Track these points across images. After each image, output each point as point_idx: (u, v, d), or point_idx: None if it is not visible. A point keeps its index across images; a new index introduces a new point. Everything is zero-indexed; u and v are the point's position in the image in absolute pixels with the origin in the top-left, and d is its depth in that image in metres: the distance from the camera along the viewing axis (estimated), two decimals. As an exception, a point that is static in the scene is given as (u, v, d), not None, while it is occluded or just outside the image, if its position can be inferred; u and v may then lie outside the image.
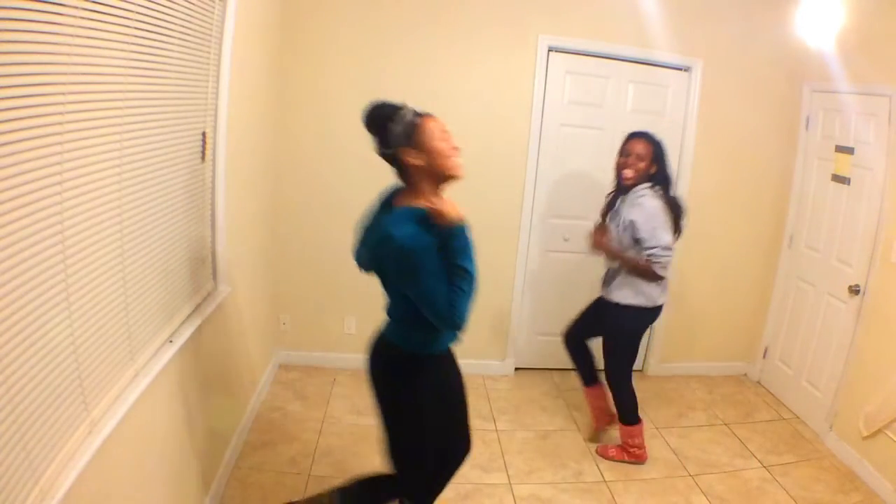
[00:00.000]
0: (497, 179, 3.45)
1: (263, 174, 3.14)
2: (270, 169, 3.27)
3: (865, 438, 2.91)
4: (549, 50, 3.39)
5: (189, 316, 2.07)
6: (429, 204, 1.65)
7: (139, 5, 1.51)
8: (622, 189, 2.75)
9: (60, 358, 1.30)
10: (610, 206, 2.86)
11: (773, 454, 3.11)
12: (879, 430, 2.83)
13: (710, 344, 3.98)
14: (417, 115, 1.66)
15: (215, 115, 2.23)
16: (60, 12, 1.17)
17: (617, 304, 2.76)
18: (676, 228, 2.70)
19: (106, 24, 1.36)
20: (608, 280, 2.83)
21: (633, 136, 2.71)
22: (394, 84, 3.28)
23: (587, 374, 3.05)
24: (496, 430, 3.15)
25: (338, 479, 2.62)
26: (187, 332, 1.97)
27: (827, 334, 3.31)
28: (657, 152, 2.67)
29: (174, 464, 1.99)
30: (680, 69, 3.53)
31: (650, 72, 3.50)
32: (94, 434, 1.42)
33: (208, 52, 2.11)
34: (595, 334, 2.98)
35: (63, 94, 1.22)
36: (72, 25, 1.22)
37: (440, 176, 1.69)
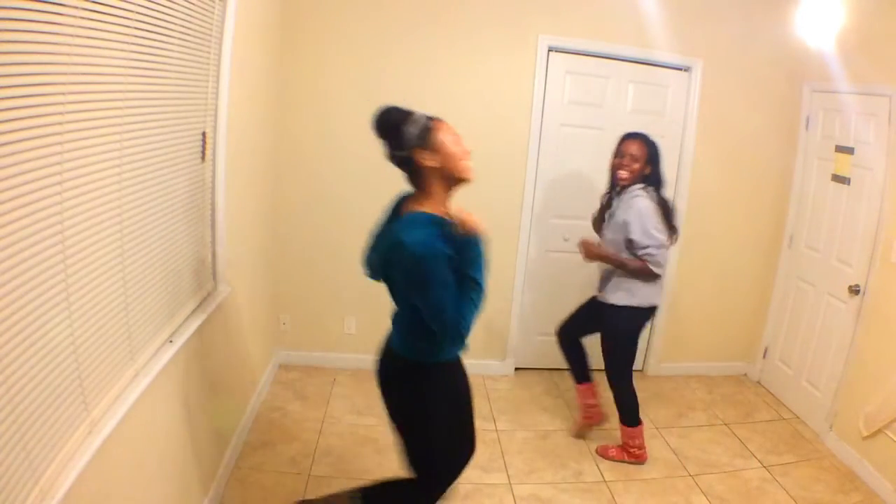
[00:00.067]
0: (497, 179, 3.45)
1: (263, 174, 3.14)
2: (270, 169, 3.27)
3: (865, 438, 2.91)
4: (549, 50, 3.39)
5: (189, 316, 2.07)
6: (452, 212, 1.67)
7: (139, 5, 1.51)
8: (616, 189, 2.77)
9: (60, 358, 1.30)
10: (605, 207, 2.88)
11: (773, 454, 3.11)
12: (879, 430, 2.83)
13: (710, 344, 3.98)
14: (430, 118, 1.68)
15: (215, 115, 2.23)
16: (60, 12, 1.17)
17: (612, 306, 2.77)
18: (669, 228, 2.71)
19: (106, 24, 1.36)
20: (603, 282, 2.84)
21: (629, 137, 2.72)
22: (394, 84, 3.28)
23: (579, 371, 3.06)
24: (496, 430, 3.15)
25: (338, 478, 2.63)
26: (187, 332, 1.97)
27: (827, 334, 3.31)
28: (652, 153, 2.68)
29: (174, 464, 1.99)
30: (680, 69, 3.53)
31: (650, 72, 3.50)
32: (94, 434, 1.42)
33: (208, 52, 2.11)
34: (589, 332, 2.99)
35: (63, 94, 1.22)
36: (72, 25, 1.22)
37: (452, 178, 1.70)
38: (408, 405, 1.84)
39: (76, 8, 1.22)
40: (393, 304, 1.85)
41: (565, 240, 3.60)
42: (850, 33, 3.12)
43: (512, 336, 3.76)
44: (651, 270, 2.63)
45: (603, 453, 2.97)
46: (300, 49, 3.24)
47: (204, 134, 2.16)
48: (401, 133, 1.64)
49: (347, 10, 3.23)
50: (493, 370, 3.76)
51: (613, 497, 2.69)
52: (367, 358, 3.56)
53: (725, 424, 3.39)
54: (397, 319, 1.84)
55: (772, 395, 3.79)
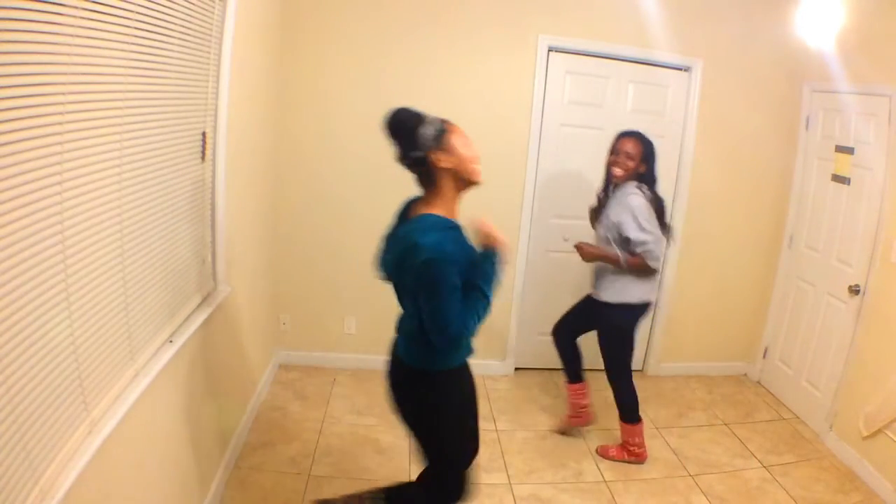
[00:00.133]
0: (497, 179, 3.44)
1: (263, 174, 3.14)
2: (270, 169, 3.27)
3: (865, 438, 2.91)
4: (549, 50, 3.39)
5: (189, 316, 2.07)
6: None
7: (139, 5, 1.51)
8: (611, 186, 2.79)
9: (60, 358, 1.30)
10: (600, 204, 2.89)
11: (773, 454, 3.11)
12: (879, 430, 2.82)
13: (710, 344, 3.98)
14: (443, 121, 1.69)
15: (215, 115, 2.23)
16: (60, 12, 1.17)
17: (606, 303, 2.79)
18: (662, 226, 2.73)
19: (106, 24, 1.36)
20: (596, 279, 2.86)
21: (625, 135, 2.74)
22: (394, 84, 3.28)
23: (572, 371, 3.07)
24: (496, 430, 3.15)
25: (338, 478, 2.63)
26: (187, 333, 1.97)
27: (827, 334, 3.31)
28: (647, 152, 2.70)
29: (174, 464, 1.99)
30: (680, 69, 3.53)
31: (650, 72, 3.50)
32: (94, 434, 1.42)
33: (208, 52, 2.11)
34: (584, 331, 3.01)
35: (63, 94, 1.22)
36: (72, 25, 1.22)
37: (464, 181, 1.71)
38: (416, 412, 1.85)
39: (76, 8, 1.22)
40: (400, 309, 1.85)
41: (565, 240, 3.60)
42: (850, 33, 3.12)
43: (512, 336, 3.76)
44: (648, 265, 2.65)
45: (603, 453, 2.98)
46: (300, 49, 3.24)
47: (204, 134, 2.16)
48: (417, 134, 1.64)
49: (347, 10, 3.23)
50: (493, 370, 3.76)
51: (613, 497, 2.69)
52: (367, 358, 3.61)
53: (725, 424, 3.39)
54: (403, 327, 1.84)
55: (772, 395, 3.79)
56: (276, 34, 3.13)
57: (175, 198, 1.91)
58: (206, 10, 2.03)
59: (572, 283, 3.58)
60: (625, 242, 2.67)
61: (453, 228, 1.68)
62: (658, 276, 2.81)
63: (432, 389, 1.80)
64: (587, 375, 3.08)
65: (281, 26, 3.16)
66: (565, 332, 3.05)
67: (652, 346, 3.92)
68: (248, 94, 2.65)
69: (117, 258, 1.53)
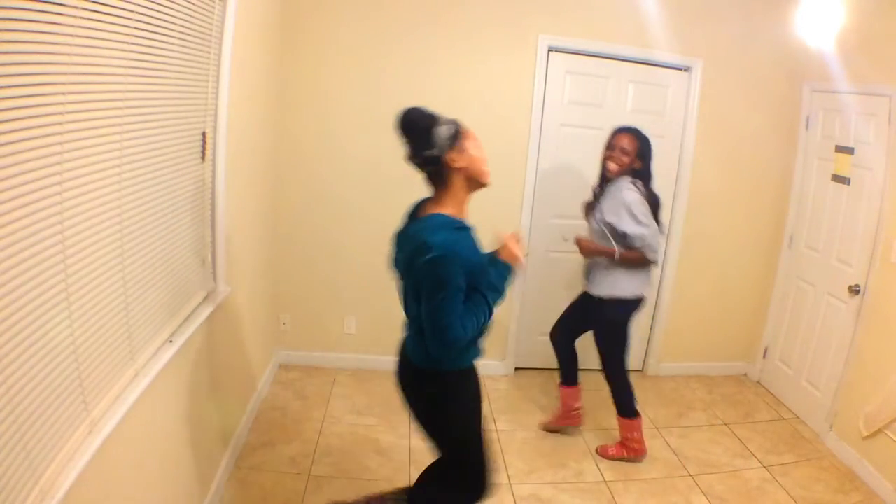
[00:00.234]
0: (497, 179, 3.36)
1: (263, 174, 3.14)
2: (270, 169, 3.27)
3: (865, 438, 2.91)
4: (549, 50, 3.39)
5: (189, 316, 2.07)
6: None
7: (139, 5, 1.51)
8: (605, 182, 2.80)
9: (60, 358, 1.30)
10: (595, 198, 2.89)
11: (773, 454, 3.11)
12: (879, 430, 2.83)
13: (709, 344, 3.98)
14: (457, 122, 1.71)
15: (215, 115, 2.23)
16: (60, 12, 1.17)
17: (599, 299, 2.80)
18: (656, 222, 2.73)
19: (106, 24, 1.36)
20: (588, 275, 2.87)
21: (620, 131, 2.74)
22: (394, 84, 3.28)
23: (567, 373, 3.08)
24: (496, 430, 3.15)
25: (338, 478, 2.63)
26: (187, 332, 1.97)
27: (827, 334, 3.31)
28: (643, 148, 2.70)
29: (174, 464, 1.99)
30: (680, 69, 3.53)
31: (650, 72, 3.50)
32: (94, 434, 1.42)
33: (208, 52, 2.11)
34: (581, 331, 3.02)
35: (63, 94, 1.22)
36: (72, 25, 1.22)
37: (474, 182, 1.73)
38: (427, 412, 1.85)
39: (76, 8, 1.22)
40: (404, 309, 1.84)
41: (565, 240, 3.59)
42: (850, 33, 3.12)
43: (512, 336, 3.76)
44: (647, 258, 2.66)
45: (602, 453, 2.98)
46: (300, 49, 3.24)
47: (204, 134, 2.16)
48: (432, 134, 1.65)
49: (347, 9, 3.23)
50: (493, 370, 3.76)
51: (613, 497, 2.69)
52: (368, 358, 3.62)
53: (725, 424, 3.39)
54: (411, 327, 1.84)
55: (772, 395, 3.79)
56: (276, 34, 3.13)
57: (175, 198, 1.91)
58: (206, 10, 2.03)
59: (572, 282, 3.58)
60: (621, 237, 2.67)
61: (462, 229, 1.69)
62: (651, 270, 2.80)
63: (442, 389, 1.80)
64: (580, 377, 3.09)
65: (281, 26, 3.16)
66: (563, 335, 3.05)
67: (652, 346, 3.92)
68: (248, 94, 2.65)
69: (117, 258, 1.53)
